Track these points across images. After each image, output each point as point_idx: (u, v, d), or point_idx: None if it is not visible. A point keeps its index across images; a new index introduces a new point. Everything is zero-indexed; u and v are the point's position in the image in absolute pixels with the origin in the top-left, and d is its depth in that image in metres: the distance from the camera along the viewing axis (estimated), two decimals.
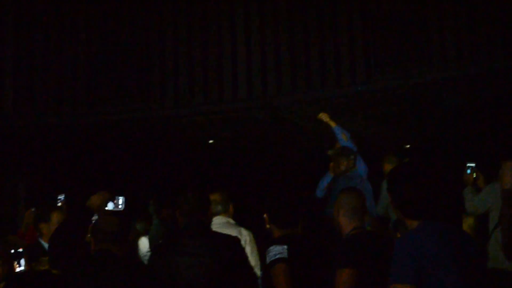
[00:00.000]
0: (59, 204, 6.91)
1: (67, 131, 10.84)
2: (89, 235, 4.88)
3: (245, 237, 6.13)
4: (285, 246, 4.76)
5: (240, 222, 6.50)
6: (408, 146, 12.45)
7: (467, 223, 7.15)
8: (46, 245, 6.18)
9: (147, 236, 9.02)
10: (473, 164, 7.01)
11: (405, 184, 3.61)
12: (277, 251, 4.75)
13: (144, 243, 9.01)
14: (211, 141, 12.05)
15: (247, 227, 6.40)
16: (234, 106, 10.18)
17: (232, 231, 5.75)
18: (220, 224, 6.04)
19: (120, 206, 5.46)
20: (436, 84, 9.34)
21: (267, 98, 9.99)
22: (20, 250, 5.27)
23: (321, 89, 9.77)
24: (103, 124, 10.63)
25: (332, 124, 8.22)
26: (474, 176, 6.99)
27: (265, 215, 5.20)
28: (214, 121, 10.87)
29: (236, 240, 4.93)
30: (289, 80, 9.87)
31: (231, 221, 6.36)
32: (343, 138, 8.02)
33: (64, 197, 7.18)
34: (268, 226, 5.19)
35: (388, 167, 8.14)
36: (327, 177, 8.03)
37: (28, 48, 10.58)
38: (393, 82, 9.39)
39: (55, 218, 6.47)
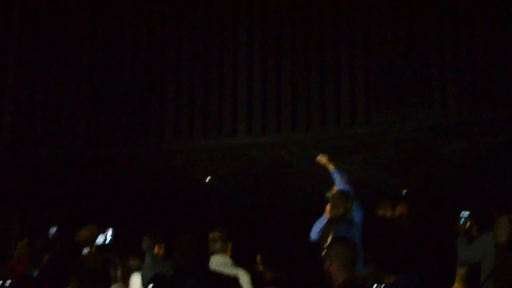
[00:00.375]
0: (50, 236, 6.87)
1: (63, 163, 10.81)
2: None
3: (243, 279, 6.06)
4: None
5: (236, 261, 6.43)
6: (405, 191, 12.40)
7: (460, 274, 7.07)
8: None
9: (139, 273, 8.89)
10: (467, 213, 6.98)
11: (379, 239, 3.59)
12: None
13: (136, 280, 8.88)
14: (208, 179, 12.00)
15: (244, 268, 6.33)
16: (233, 144, 10.15)
17: (230, 272, 5.69)
18: (218, 264, 5.98)
19: (108, 238, 5.43)
20: (435, 130, 9.34)
21: (267, 137, 9.97)
22: (8, 282, 5.20)
23: (320, 130, 9.76)
24: (100, 157, 10.60)
25: (331, 166, 8.18)
26: (468, 225, 6.95)
27: (258, 257, 5.14)
28: (212, 159, 10.84)
29: (234, 281, 4.89)
30: (289, 120, 9.86)
31: (229, 261, 6.30)
32: (340, 181, 7.97)
33: (57, 230, 7.13)
34: (261, 267, 5.12)
35: (381, 213, 8.07)
36: (322, 220, 7.95)
37: (28, 82, 10.61)
38: (392, 126, 9.38)
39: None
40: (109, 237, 5.23)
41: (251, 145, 10.16)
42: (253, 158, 10.72)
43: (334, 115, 9.67)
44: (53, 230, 7.22)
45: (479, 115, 8.87)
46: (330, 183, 8.12)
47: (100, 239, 5.20)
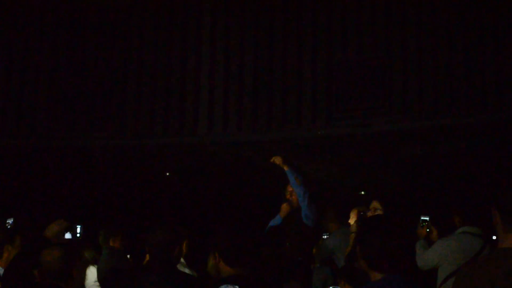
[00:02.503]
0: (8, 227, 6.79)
1: (23, 154, 10.69)
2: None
3: None
4: (236, 287, 4.67)
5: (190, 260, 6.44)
6: (363, 192, 12.51)
7: None
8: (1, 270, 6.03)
9: (95, 265, 8.86)
10: (426, 218, 7.06)
11: (375, 236, 3.61)
12: None
13: (92, 273, 8.85)
14: (168, 174, 11.98)
15: (192, 267, 6.33)
16: (194, 140, 10.12)
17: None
18: None
19: (78, 235, 5.41)
20: (395, 134, 9.43)
21: (228, 135, 9.96)
22: None
23: (281, 130, 9.78)
24: (60, 149, 10.50)
25: (285, 167, 8.24)
26: (428, 230, 7.03)
27: (211, 257, 5.13)
28: (173, 154, 10.81)
29: (196, 282, 4.91)
30: (249, 119, 9.86)
31: (180, 260, 6.28)
32: (295, 181, 8.05)
33: (13, 221, 7.05)
34: (220, 263, 5.08)
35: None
36: (277, 219, 8.04)
37: None
38: (352, 129, 9.45)
39: (18, 241, 6.34)
40: (78, 235, 5.19)
41: (212, 142, 10.16)
42: (214, 155, 10.74)
43: (295, 115, 9.70)
44: (10, 220, 7.14)
45: (439, 120, 8.97)
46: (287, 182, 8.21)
47: (67, 235, 5.15)
